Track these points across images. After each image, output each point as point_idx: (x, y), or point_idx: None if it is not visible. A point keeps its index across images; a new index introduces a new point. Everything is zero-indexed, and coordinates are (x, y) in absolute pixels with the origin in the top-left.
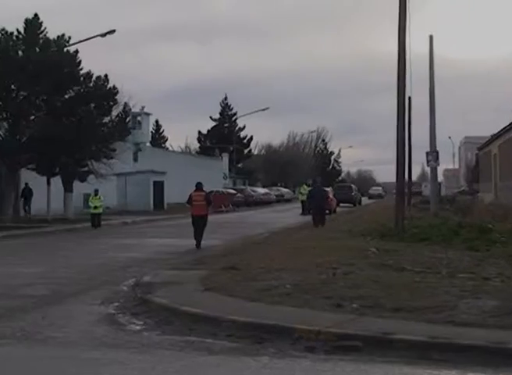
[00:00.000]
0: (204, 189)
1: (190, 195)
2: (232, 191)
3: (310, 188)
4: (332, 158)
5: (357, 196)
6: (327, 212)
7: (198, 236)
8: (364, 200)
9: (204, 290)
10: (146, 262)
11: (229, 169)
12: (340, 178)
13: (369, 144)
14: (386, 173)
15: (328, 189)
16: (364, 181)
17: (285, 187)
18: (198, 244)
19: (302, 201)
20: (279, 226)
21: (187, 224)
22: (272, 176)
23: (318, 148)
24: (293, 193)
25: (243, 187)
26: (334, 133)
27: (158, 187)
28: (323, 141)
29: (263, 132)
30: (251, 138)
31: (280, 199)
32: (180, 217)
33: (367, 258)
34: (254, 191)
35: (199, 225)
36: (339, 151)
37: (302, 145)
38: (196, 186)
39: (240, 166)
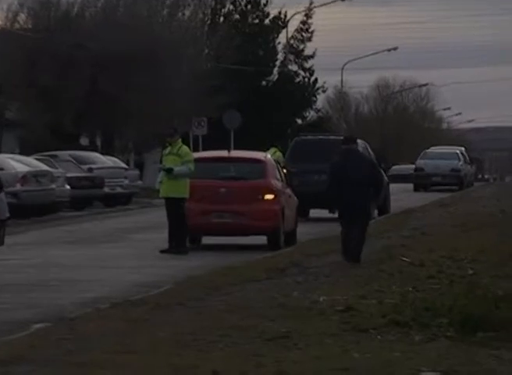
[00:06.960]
0: None
1: None
2: None
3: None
4: (281, 44)
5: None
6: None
7: None
8: (399, 191)
9: None
10: None
11: None
12: (312, 114)
13: None
14: (479, 104)
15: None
16: (401, 129)
17: (108, 154)
18: None
19: (168, 201)
20: (93, 297)
21: None
22: (54, 111)
23: (233, 8)
24: (137, 172)
25: None
26: None
27: None
28: None
29: None
30: None
31: (89, 195)
32: None
33: None
34: None
35: None
36: (307, 16)
37: None
38: None
39: None
